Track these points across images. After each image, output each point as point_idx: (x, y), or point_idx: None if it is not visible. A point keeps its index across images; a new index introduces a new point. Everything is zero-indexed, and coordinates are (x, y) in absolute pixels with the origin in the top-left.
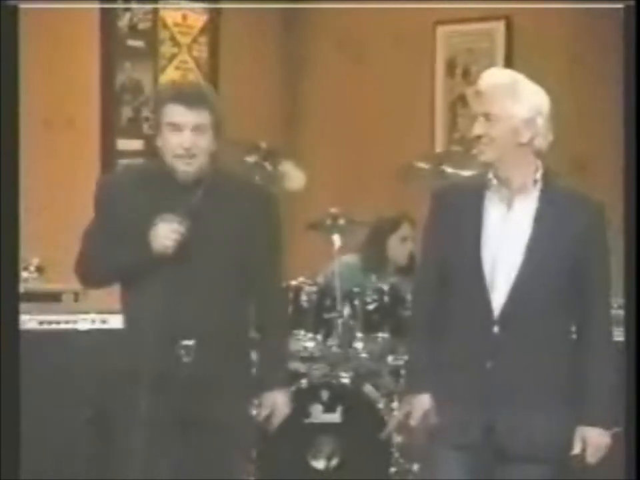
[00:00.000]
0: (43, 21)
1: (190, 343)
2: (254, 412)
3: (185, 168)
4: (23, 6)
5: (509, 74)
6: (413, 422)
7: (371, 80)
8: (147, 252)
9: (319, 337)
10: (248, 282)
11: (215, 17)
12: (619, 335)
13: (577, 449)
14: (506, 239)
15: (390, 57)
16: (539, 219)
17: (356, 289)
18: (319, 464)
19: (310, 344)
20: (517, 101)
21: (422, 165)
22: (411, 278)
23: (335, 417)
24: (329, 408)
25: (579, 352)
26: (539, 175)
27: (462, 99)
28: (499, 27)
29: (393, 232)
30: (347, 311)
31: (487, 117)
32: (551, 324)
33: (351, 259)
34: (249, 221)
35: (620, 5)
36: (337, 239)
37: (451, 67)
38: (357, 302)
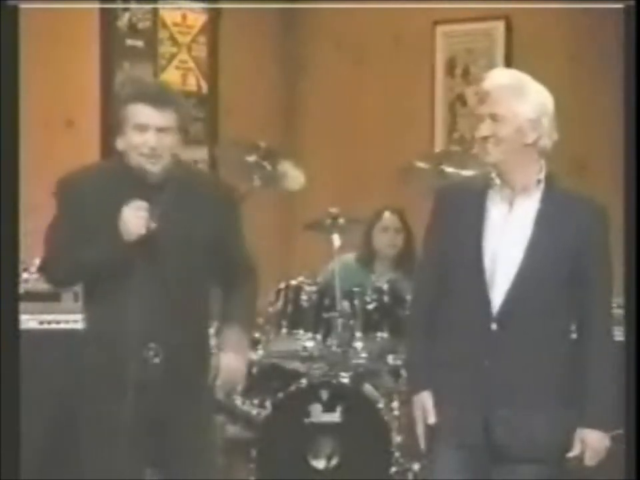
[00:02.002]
0: (42, 21)
1: (157, 345)
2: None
3: (150, 167)
4: (23, 6)
5: (515, 74)
6: (421, 420)
7: (370, 80)
8: (117, 244)
9: (319, 336)
10: (212, 281)
11: (215, 17)
12: (618, 334)
13: (576, 451)
14: (507, 238)
15: (389, 57)
16: (540, 219)
17: (355, 289)
18: (319, 463)
19: (309, 343)
20: (523, 101)
21: (421, 164)
22: (407, 275)
23: (335, 417)
24: (328, 407)
25: (578, 353)
26: (542, 175)
27: (461, 99)
28: (499, 26)
29: (376, 223)
30: (346, 310)
31: (494, 117)
32: (549, 323)
33: (351, 258)
34: (213, 221)
35: (620, 5)
36: (336, 238)
37: (450, 66)
38: (356, 301)
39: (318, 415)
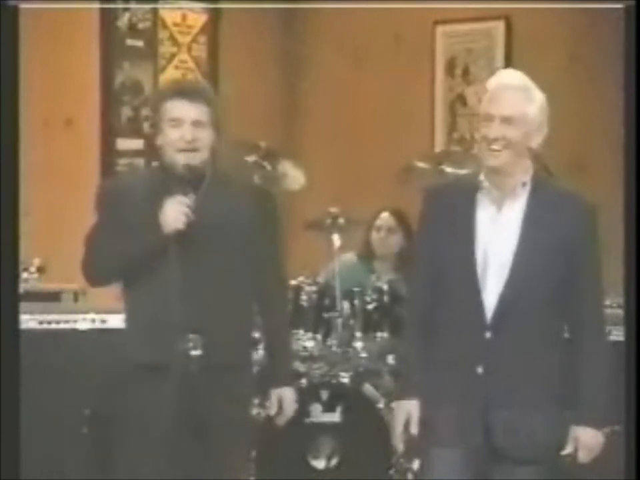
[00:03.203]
0: (42, 21)
1: (197, 336)
2: (256, 411)
3: (188, 161)
4: (22, 6)
5: (522, 76)
6: (401, 424)
7: (370, 80)
8: (157, 235)
9: (319, 336)
10: (250, 279)
11: (215, 17)
12: (619, 334)
13: (569, 449)
14: (496, 241)
15: (389, 57)
16: (528, 220)
17: (355, 289)
18: (319, 463)
19: (309, 343)
20: (532, 104)
21: (421, 164)
22: (408, 275)
23: (335, 417)
24: (328, 407)
25: (571, 353)
26: (528, 177)
27: (461, 99)
28: (499, 26)
29: (372, 222)
30: (346, 310)
31: (506, 119)
32: (543, 326)
33: (351, 258)
34: (251, 220)
35: (620, 5)
36: (336, 238)
37: (450, 66)
38: (356, 301)
39: (318, 414)
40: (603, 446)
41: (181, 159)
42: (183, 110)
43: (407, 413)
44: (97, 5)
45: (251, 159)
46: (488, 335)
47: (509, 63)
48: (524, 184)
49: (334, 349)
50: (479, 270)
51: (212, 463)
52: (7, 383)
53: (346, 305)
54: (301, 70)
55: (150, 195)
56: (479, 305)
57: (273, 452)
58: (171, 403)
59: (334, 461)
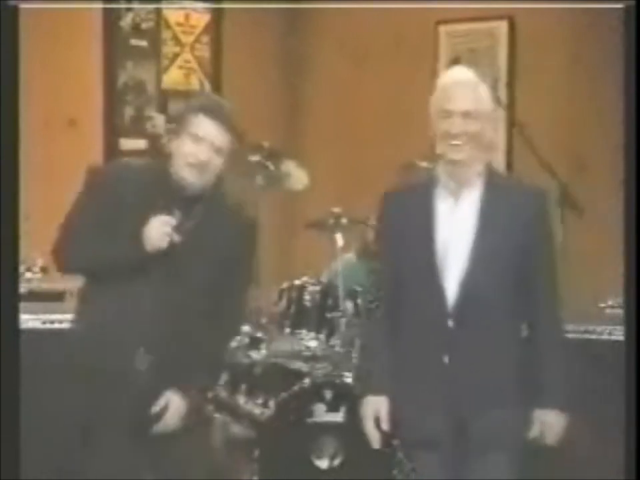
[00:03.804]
0: (46, 21)
1: (147, 353)
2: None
3: (193, 180)
4: (23, 6)
5: (470, 71)
6: (371, 420)
7: (373, 80)
8: (138, 250)
9: (322, 336)
10: (213, 302)
11: (218, 17)
12: (618, 334)
13: (535, 432)
14: (454, 232)
15: (392, 57)
16: (484, 210)
17: (358, 288)
18: (322, 463)
19: (313, 343)
20: (484, 97)
21: (424, 164)
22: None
23: (338, 416)
24: (332, 407)
25: (531, 338)
26: (482, 168)
27: None
28: (502, 26)
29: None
30: (349, 310)
31: (466, 114)
32: (505, 315)
33: (353, 258)
34: (231, 250)
35: (620, 5)
36: (339, 238)
37: (453, 66)
38: (359, 301)
39: (321, 414)
40: (565, 428)
41: (186, 174)
42: (208, 130)
43: (375, 409)
44: (100, 5)
45: (254, 159)
46: (450, 323)
47: (511, 62)
48: (479, 174)
49: (337, 348)
50: (439, 260)
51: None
52: (7, 383)
53: (349, 305)
54: (304, 70)
55: (142, 196)
56: (440, 293)
57: (276, 452)
58: (117, 410)
59: (337, 461)
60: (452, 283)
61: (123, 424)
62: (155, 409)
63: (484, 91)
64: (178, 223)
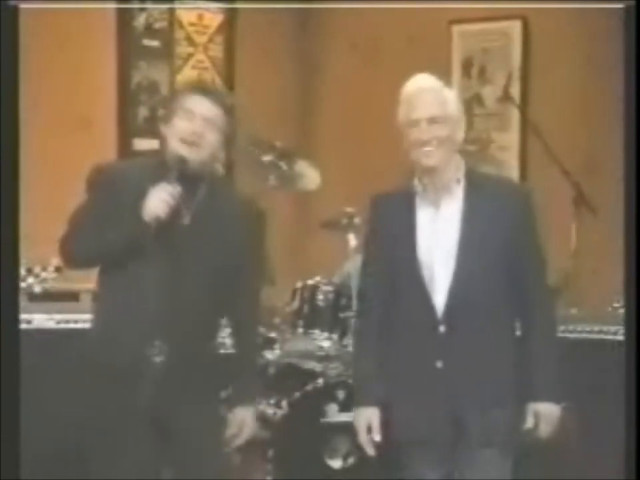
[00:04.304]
0: (59, 22)
1: (162, 343)
2: (272, 411)
3: (187, 154)
4: (23, 6)
5: (430, 78)
6: (364, 431)
7: (385, 80)
8: (137, 223)
9: (335, 336)
10: (224, 292)
11: (231, 17)
12: (618, 334)
13: (529, 424)
14: (437, 240)
15: (404, 57)
16: (467, 215)
17: None
18: (336, 463)
19: (326, 343)
20: (449, 101)
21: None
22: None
23: (351, 416)
24: (344, 407)
25: (524, 337)
26: (460, 174)
27: (478, 99)
28: (515, 26)
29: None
30: None
31: (431, 120)
32: (496, 319)
33: None
34: (237, 231)
35: (620, 5)
36: (352, 238)
37: (466, 66)
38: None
39: (334, 414)
40: (559, 419)
41: (181, 150)
42: (199, 105)
43: (367, 420)
44: (113, 5)
45: (267, 158)
46: (442, 329)
47: (525, 62)
48: (458, 180)
49: (350, 348)
50: (426, 269)
51: (188, 469)
52: (7, 383)
53: None
54: (316, 70)
55: (142, 186)
56: (428, 301)
57: (290, 452)
58: (134, 407)
59: (350, 461)
60: (440, 290)
61: (142, 421)
62: (232, 430)
63: (450, 95)
64: (180, 198)
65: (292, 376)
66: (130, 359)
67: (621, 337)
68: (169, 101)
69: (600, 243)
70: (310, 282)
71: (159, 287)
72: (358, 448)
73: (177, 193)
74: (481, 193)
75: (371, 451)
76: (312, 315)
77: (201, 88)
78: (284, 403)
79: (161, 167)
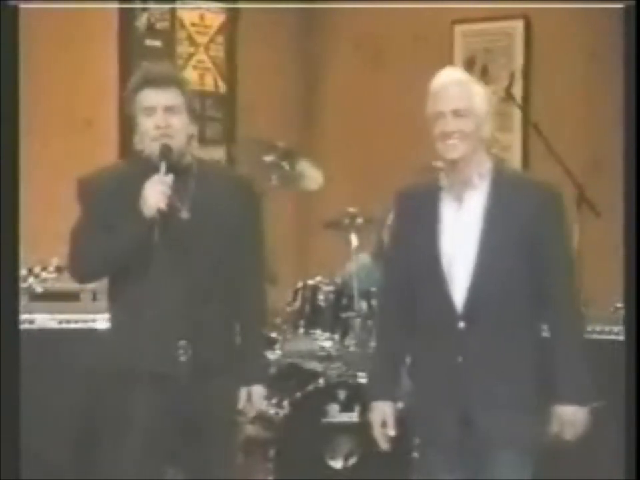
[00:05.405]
0: (60, 22)
1: (185, 342)
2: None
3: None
4: (23, 6)
5: (460, 71)
6: (379, 426)
7: (388, 79)
8: (140, 222)
9: (336, 336)
10: (231, 277)
11: (232, 17)
12: (618, 334)
13: (554, 428)
14: (459, 235)
15: (408, 56)
16: (490, 211)
17: (373, 289)
18: (337, 463)
19: (327, 343)
20: (475, 96)
21: (440, 164)
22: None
23: (353, 416)
24: (346, 407)
25: (550, 338)
26: (485, 169)
27: None
28: (518, 26)
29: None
30: (364, 310)
31: (457, 113)
32: (517, 314)
33: (368, 258)
34: (236, 217)
35: (620, 5)
36: (354, 238)
37: (469, 66)
38: (374, 301)
39: (335, 414)
40: (586, 423)
41: (157, 147)
42: (154, 98)
43: (382, 414)
44: (115, 5)
45: (269, 158)
46: (461, 324)
47: (528, 62)
48: (480, 175)
49: (351, 348)
50: (446, 264)
51: (209, 464)
52: (7, 383)
53: (363, 305)
54: (319, 70)
55: (130, 189)
56: (448, 296)
57: (291, 452)
58: (159, 409)
59: (351, 461)
60: (460, 287)
61: (173, 420)
62: (241, 404)
63: (478, 90)
64: (174, 191)
65: (293, 376)
66: (155, 361)
67: (623, 338)
68: (129, 104)
69: (602, 243)
70: (311, 282)
71: (173, 286)
72: (358, 448)
73: (171, 181)
74: (507, 191)
75: (384, 445)
76: (313, 315)
77: (147, 79)
78: (285, 403)
79: (147, 163)
